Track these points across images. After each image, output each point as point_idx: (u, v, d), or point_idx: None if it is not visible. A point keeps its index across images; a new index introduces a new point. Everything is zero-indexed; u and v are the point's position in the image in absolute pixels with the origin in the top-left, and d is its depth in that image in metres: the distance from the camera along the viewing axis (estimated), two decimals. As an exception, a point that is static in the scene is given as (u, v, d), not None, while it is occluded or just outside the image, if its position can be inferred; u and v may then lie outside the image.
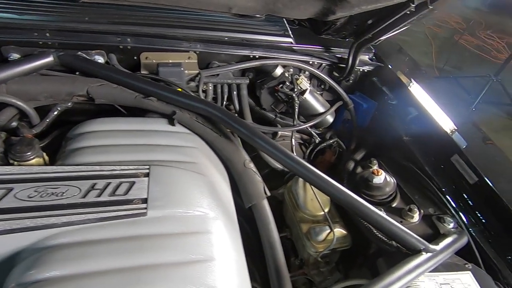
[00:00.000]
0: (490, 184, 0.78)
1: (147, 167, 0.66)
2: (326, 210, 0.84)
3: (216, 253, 0.57)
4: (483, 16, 5.09)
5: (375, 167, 0.87)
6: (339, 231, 0.78)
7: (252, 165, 0.82)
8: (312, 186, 0.86)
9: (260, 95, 1.03)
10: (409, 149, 0.96)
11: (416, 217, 0.77)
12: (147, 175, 0.64)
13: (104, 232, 0.53)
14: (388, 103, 1.09)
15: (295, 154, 1.00)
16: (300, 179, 0.89)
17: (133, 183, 0.62)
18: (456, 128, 0.90)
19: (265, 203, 0.77)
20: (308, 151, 1.08)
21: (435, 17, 4.79)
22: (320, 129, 1.16)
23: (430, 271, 0.66)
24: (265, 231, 0.73)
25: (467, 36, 4.69)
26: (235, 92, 1.00)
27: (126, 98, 0.82)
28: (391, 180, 0.83)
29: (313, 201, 0.85)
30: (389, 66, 1.13)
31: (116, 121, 0.80)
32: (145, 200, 0.59)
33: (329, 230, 0.77)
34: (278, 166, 0.98)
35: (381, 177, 0.81)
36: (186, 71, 0.93)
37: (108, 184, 0.61)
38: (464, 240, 0.73)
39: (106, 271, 0.49)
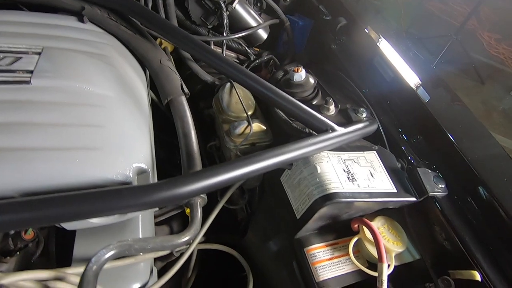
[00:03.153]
0: (403, 78, 0.81)
1: (41, 47, 0.62)
2: (250, 113, 0.84)
3: (110, 123, 0.55)
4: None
5: (300, 70, 0.88)
6: (258, 125, 0.79)
7: (170, 64, 0.80)
8: (238, 92, 0.86)
9: (188, 6, 0.98)
10: (337, 57, 0.97)
11: (332, 109, 0.79)
12: (38, 53, 0.60)
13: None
14: (323, 19, 1.08)
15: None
16: (227, 86, 0.88)
17: (20, 58, 0.58)
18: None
19: (183, 99, 0.76)
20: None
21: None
22: (257, 49, 1.15)
23: (337, 151, 0.69)
24: (180, 123, 0.72)
25: (436, 3, 4.75)
26: (160, 1, 0.95)
27: (26, -9, 0.75)
28: (312, 79, 0.83)
29: (238, 104, 0.85)
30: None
31: (15, 13, 0.73)
32: (30, 71, 0.56)
33: (247, 124, 0.78)
34: (208, 78, 0.96)
35: (301, 74, 0.81)
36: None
37: (-11, 57, 0.56)
38: (374, 127, 0.76)
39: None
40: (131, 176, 0.52)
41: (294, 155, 0.61)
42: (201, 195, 0.60)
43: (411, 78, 0.82)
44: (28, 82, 0.54)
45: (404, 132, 0.76)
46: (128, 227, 0.62)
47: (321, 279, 0.64)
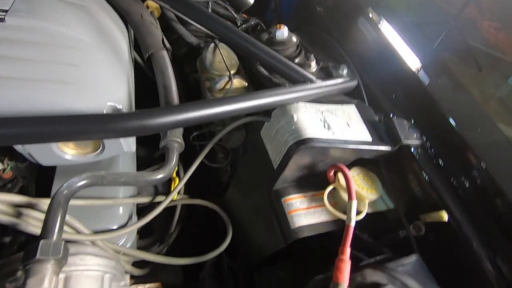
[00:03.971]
0: (386, 38, 0.81)
1: (17, -8, 0.62)
2: (233, 71, 0.84)
3: (85, 64, 0.56)
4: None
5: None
6: (239, 81, 0.79)
7: (151, 19, 0.80)
8: (221, 52, 0.86)
9: (173, -33, 0.97)
10: (322, 19, 0.96)
11: (313, 65, 0.79)
12: (14, -2, 0.60)
13: None
14: (311, -16, 1.07)
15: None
16: (211, 46, 0.88)
17: (-5, 0, 0.58)
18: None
19: (164, 54, 0.76)
20: (230, 33, 1.06)
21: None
22: (245, 15, 1.14)
23: (315, 103, 0.70)
24: (161, 77, 0.72)
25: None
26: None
27: None
28: (295, 37, 0.83)
29: (221, 63, 0.85)
30: None
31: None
32: (5, 11, 0.56)
33: (228, 79, 0.78)
34: (193, 40, 0.96)
35: (284, 31, 0.81)
36: None
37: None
38: (354, 83, 0.76)
39: None
40: (105, 112, 0.52)
41: (271, 101, 0.62)
42: (178, 140, 0.61)
43: (393, 38, 0.82)
44: (2, 20, 0.54)
45: (385, 88, 0.77)
46: (109, 170, 0.64)
47: (297, 226, 0.65)
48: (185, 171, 0.79)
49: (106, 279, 0.46)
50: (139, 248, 0.77)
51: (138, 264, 0.71)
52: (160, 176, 0.54)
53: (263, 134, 0.73)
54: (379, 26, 0.85)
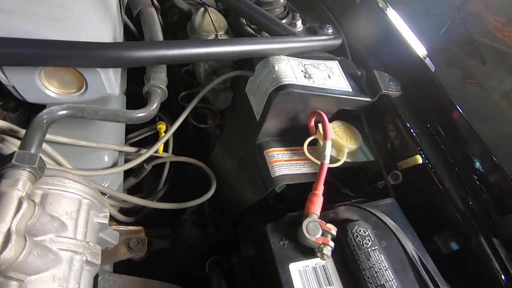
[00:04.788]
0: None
1: None
2: (221, 33, 0.86)
3: (73, 8, 0.57)
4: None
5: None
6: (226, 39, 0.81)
7: (141, -23, 0.81)
8: (211, 15, 0.87)
9: None
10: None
11: (299, 25, 0.80)
12: None
13: None
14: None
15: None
16: (201, 10, 0.89)
17: None
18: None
19: (153, 11, 0.78)
20: None
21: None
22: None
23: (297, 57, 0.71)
24: (149, 32, 0.74)
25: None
26: None
27: None
28: (283, -1, 0.85)
29: (210, 25, 0.86)
30: None
31: None
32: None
33: (215, 37, 0.80)
34: (184, 6, 0.98)
35: (271, -8, 0.82)
36: None
37: None
38: (338, 41, 0.77)
39: None
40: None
41: (253, 48, 0.63)
42: (161, 86, 0.62)
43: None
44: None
45: (368, 46, 0.78)
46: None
47: (277, 174, 0.67)
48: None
49: (84, 203, 0.47)
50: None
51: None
52: (140, 114, 0.56)
53: (248, 89, 0.75)
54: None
